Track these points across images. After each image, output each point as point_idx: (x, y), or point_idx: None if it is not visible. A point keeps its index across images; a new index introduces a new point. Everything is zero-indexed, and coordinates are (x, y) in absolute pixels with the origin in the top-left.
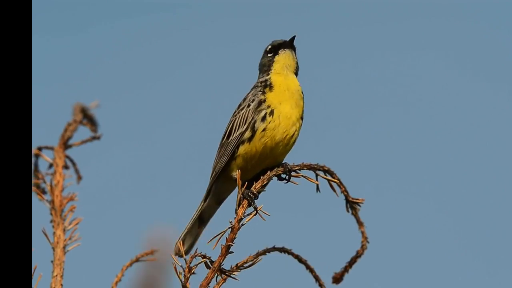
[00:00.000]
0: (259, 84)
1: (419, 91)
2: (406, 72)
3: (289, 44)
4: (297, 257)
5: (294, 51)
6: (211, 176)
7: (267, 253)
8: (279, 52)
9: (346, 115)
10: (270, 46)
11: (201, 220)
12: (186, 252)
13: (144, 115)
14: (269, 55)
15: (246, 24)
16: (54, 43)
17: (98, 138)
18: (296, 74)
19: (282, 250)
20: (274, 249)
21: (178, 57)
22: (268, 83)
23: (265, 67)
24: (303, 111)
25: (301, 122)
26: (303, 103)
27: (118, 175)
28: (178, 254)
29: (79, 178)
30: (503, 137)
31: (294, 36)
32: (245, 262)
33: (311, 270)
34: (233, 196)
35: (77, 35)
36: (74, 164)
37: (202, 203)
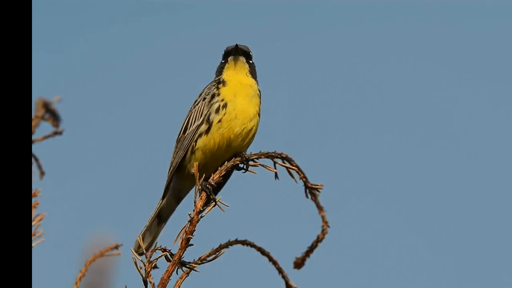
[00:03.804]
0: (214, 81)
1: (374, 78)
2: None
3: (233, 52)
4: (259, 249)
5: (244, 55)
6: (168, 172)
7: (229, 246)
8: (228, 59)
9: (308, 104)
10: (223, 52)
11: (160, 218)
12: (146, 250)
13: (106, 110)
14: (222, 61)
15: (243, 25)
16: (37, 41)
17: (60, 133)
18: (252, 76)
19: (245, 242)
20: (236, 242)
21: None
22: (221, 80)
23: (218, 71)
24: (259, 108)
25: (258, 118)
26: (260, 101)
27: (81, 169)
28: (138, 251)
29: (42, 174)
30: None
31: (235, 45)
32: (208, 256)
33: (274, 262)
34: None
35: (58, 35)
36: (36, 159)
37: (161, 201)
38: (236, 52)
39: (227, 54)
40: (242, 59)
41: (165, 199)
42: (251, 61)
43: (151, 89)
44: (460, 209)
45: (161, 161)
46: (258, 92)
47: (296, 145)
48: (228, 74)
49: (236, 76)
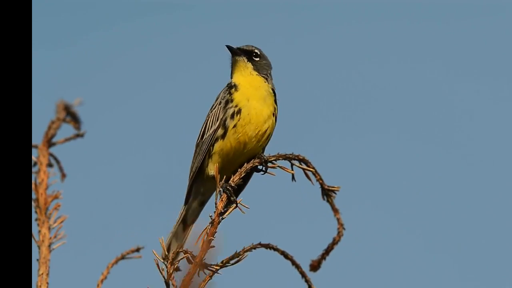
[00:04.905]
0: (227, 85)
1: (392, 81)
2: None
3: (232, 53)
4: (283, 253)
5: (245, 54)
6: (189, 177)
7: (253, 249)
8: (231, 60)
9: (324, 106)
10: None
11: (185, 222)
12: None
13: (129, 112)
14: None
15: (245, 24)
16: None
17: (81, 135)
18: (260, 73)
19: (268, 246)
20: (260, 245)
21: (164, 56)
22: (232, 84)
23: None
24: (274, 108)
25: (273, 119)
26: (275, 100)
27: (102, 172)
28: (165, 258)
29: (63, 176)
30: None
31: (228, 47)
32: (231, 259)
33: (297, 266)
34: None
35: (60, 34)
36: (58, 162)
37: (184, 206)
38: (234, 53)
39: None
40: (241, 58)
41: (188, 203)
42: (256, 59)
43: (157, 89)
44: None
45: (178, 163)
46: (270, 90)
47: (313, 145)
48: (235, 76)
49: (242, 77)
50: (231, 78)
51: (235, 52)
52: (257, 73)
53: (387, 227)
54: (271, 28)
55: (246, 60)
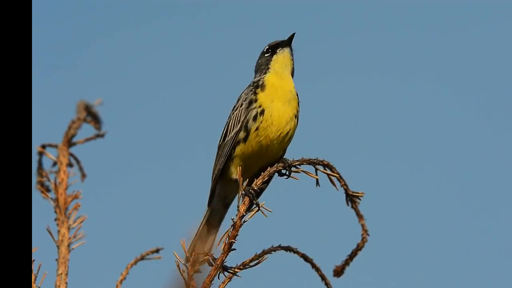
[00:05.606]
0: (252, 84)
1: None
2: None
3: (287, 43)
4: (303, 255)
5: (292, 50)
6: (212, 179)
7: (272, 252)
8: (277, 51)
9: (345, 111)
10: (267, 47)
11: (210, 225)
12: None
13: (148, 112)
14: (266, 55)
15: (245, 26)
16: (56, 40)
17: (102, 135)
18: (292, 75)
19: (288, 249)
20: (280, 247)
21: (183, 58)
22: (260, 83)
23: (262, 66)
24: (297, 111)
25: (295, 120)
26: (298, 103)
27: (122, 172)
28: (187, 260)
29: (83, 176)
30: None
31: (293, 34)
32: (251, 261)
33: (317, 269)
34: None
35: (81, 33)
36: (78, 162)
37: (208, 208)
38: (287, 44)
39: (274, 46)
40: (291, 52)
41: (212, 205)
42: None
43: (168, 91)
44: None
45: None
46: (296, 95)
47: (336, 149)
48: (274, 70)
49: (280, 77)
50: (266, 70)
51: (290, 44)
52: (291, 75)
53: (409, 234)
54: (268, 29)
55: (292, 56)
